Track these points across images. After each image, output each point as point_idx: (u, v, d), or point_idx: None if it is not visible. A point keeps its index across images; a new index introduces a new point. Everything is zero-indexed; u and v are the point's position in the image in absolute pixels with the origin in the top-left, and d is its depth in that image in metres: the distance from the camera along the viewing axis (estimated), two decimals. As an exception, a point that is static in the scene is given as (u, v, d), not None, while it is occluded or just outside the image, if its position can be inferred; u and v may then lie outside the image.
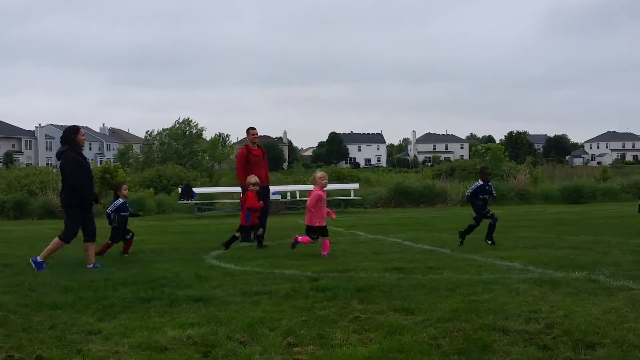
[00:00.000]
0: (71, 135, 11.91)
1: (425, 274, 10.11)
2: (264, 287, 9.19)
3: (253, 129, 16.17)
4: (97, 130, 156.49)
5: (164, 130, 75.59)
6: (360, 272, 10.38)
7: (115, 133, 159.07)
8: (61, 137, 12.12)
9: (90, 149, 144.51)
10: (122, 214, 13.54)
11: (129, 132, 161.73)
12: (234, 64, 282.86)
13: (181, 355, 5.82)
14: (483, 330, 6.46)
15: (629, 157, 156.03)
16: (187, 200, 27.92)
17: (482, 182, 14.49)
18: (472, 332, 6.38)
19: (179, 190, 28.46)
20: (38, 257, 11.49)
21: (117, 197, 13.93)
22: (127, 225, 13.72)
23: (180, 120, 77.58)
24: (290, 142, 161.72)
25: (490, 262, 11.24)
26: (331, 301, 8.12)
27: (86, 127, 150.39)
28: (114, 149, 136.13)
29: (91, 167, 12.34)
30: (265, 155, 16.31)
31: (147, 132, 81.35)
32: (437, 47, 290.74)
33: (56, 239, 11.64)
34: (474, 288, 8.74)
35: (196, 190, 29.22)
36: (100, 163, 42.93)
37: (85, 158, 12.07)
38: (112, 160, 54.93)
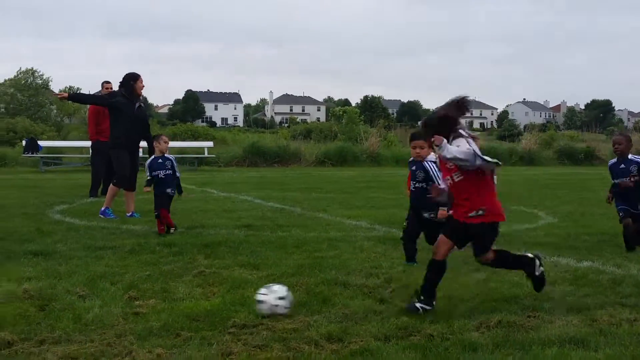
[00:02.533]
0: (130, 82, 11.89)
1: (274, 231, 10.22)
2: (109, 242, 9.01)
3: (107, 82, 15.59)
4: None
5: (7, 80, 71.84)
6: (209, 228, 10.36)
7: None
8: (121, 81, 12.04)
9: None
10: None
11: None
12: (91, 15, 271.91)
13: (15, 308, 5.62)
14: (325, 284, 6.62)
15: (476, 124, 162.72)
16: (32, 153, 26.79)
17: None
18: (314, 286, 6.52)
19: (24, 143, 27.28)
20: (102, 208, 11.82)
21: None
22: None
23: (23, 70, 73.87)
24: (145, 99, 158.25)
25: (338, 221, 11.48)
26: (177, 256, 8.08)
27: None
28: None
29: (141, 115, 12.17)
30: None
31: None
32: (295, 11, 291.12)
33: (110, 186, 11.96)
34: (320, 245, 8.92)
35: (42, 143, 28.07)
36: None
37: (140, 106, 12.11)
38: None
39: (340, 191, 17.61)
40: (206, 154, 29.60)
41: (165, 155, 10.32)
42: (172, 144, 32.07)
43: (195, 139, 39.29)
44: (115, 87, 12.95)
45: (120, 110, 11.85)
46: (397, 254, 8.25)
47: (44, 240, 9.10)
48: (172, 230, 9.88)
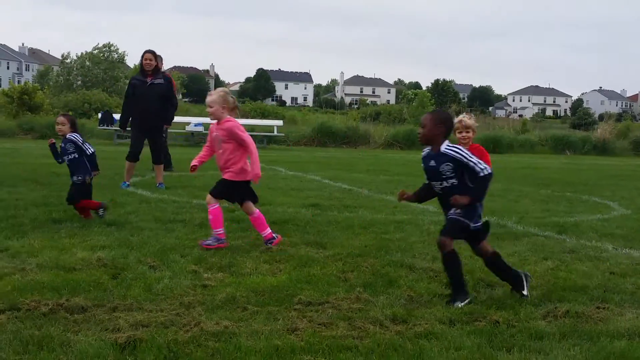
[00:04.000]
0: (140, 60, 12.50)
1: (341, 211, 10.24)
2: (179, 215, 9.18)
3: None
4: (16, 49, 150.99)
5: (83, 54, 73.34)
6: (277, 206, 10.44)
7: (35, 53, 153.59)
8: None
9: (8, 68, 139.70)
10: None
11: (50, 53, 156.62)
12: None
13: (89, 275, 5.80)
14: (391, 266, 6.63)
15: (549, 112, 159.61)
16: (107, 126, 27.39)
17: None
18: (380, 268, 6.54)
19: (99, 115, 27.87)
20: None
21: None
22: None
23: (100, 45, 75.35)
24: (217, 76, 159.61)
25: (405, 204, 11.42)
26: (245, 232, 8.18)
27: (3, 46, 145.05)
28: (33, 70, 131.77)
29: (154, 91, 12.27)
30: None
31: (62, 55, 78.46)
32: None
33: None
34: (387, 227, 8.93)
35: (117, 116, 28.66)
36: (18, 83, 41.57)
37: (152, 83, 12.28)
38: (31, 82, 53.23)
39: (408, 174, 17.50)
40: (275, 133, 29.79)
41: (67, 136, 8.84)
42: (242, 121, 32.55)
43: (265, 117, 39.52)
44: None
45: (134, 93, 12.38)
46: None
47: (117, 211, 9.31)
48: (100, 212, 8.76)
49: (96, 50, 73.59)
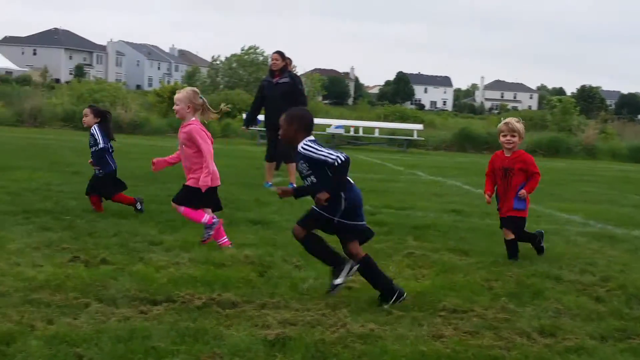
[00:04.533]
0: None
1: (483, 218, 10.10)
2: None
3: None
4: (167, 50, 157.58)
5: (232, 56, 75.70)
6: (417, 211, 10.42)
7: (184, 55, 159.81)
8: None
9: (159, 68, 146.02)
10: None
11: (198, 54, 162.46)
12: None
13: (238, 272, 5.99)
14: (536, 277, 6.49)
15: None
16: (251, 127, 28.11)
17: None
18: (525, 278, 6.40)
19: (244, 116, 28.63)
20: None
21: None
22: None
23: (247, 47, 77.52)
24: (357, 78, 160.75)
25: (549, 213, 11.15)
26: (387, 236, 8.21)
27: (155, 47, 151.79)
28: (182, 71, 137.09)
29: (279, 90, 12.48)
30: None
31: (212, 57, 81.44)
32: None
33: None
34: (531, 236, 8.71)
35: (261, 117, 29.36)
36: (168, 83, 43.35)
37: (272, 82, 12.62)
38: (180, 82, 55.42)
39: (551, 182, 16.99)
40: (415, 137, 29.70)
41: (91, 129, 9.03)
42: (382, 124, 32.62)
43: (403, 120, 39.47)
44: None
45: (263, 94, 12.83)
46: (613, 252, 7.92)
47: (262, 210, 9.57)
48: (138, 206, 8.84)
49: (243, 52, 75.74)
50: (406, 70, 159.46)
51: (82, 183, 10.98)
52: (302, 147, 5.43)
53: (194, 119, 7.23)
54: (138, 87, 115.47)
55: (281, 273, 6.09)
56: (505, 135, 7.30)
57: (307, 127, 5.58)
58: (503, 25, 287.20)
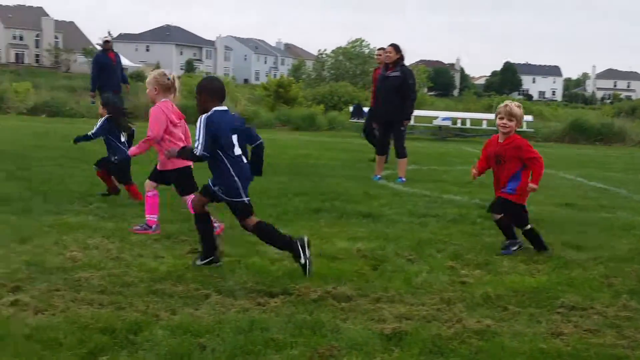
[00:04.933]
0: None
1: (598, 212, 9.82)
2: (431, 209, 9.26)
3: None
4: (273, 44, 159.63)
5: (338, 48, 76.01)
6: (530, 204, 10.16)
7: (289, 49, 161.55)
8: None
9: (265, 62, 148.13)
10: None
11: (303, 48, 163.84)
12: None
13: (352, 265, 6.04)
14: (659, 274, 6.26)
15: None
16: (358, 119, 28.17)
17: None
18: (647, 275, 6.20)
19: (351, 109, 28.72)
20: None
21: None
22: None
23: (353, 39, 77.66)
24: (462, 69, 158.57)
25: (669, 206, 10.73)
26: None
27: (262, 41, 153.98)
28: (288, 64, 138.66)
29: (390, 84, 12.39)
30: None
31: (319, 51, 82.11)
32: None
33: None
34: (653, 231, 8.42)
35: (366, 109, 29.39)
36: (275, 77, 43.90)
37: (384, 75, 12.57)
38: (286, 75, 56.04)
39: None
40: (525, 128, 29.03)
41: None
42: (489, 116, 32.01)
43: (512, 112, 38.57)
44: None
45: (377, 86, 13.06)
46: None
47: (371, 203, 9.59)
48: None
49: (349, 45, 75.96)
50: (513, 60, 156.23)
51: (198, 177, 11.30)
52: (203, 116, 5.70)
53: (164, 100, 7.22)
54: (245, 81, 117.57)
55: (394, 267, 6.11)
56: (502, 118, 6.94)
57: (215, 95, 5.82)
58: (612, 11, 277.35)
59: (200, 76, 43.64)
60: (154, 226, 7.26)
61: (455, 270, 6.11)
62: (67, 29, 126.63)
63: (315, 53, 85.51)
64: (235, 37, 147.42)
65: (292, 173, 12.63)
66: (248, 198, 5.90)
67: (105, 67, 17.13)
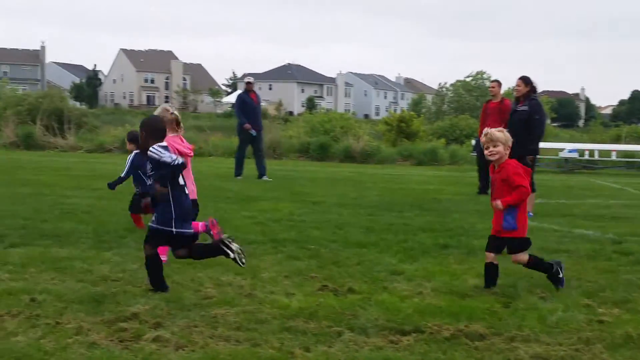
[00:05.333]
0: None
1: None
2: (562, 245, 9.03)
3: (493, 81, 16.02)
4: (393, 79, 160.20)
5: (458, 82, 75.70)
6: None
7: (409, 83, 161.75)
8: None
9: (385, 97, 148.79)
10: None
11: (423, 82, 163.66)
12: (542, 15, 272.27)
13: (483, 302, 5.96)
14: None
15: None
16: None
17: None
18: None
19: (472, 142, 28.41)
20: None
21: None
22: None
23: (474, 73, 77.09)
24: (587, 99, 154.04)
25: None
26: (635, 265, 7.79)
27: (382, 77, 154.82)
28: (407, 99, 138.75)
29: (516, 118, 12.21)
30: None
31: (439, 85, 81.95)
32: None
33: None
34: None
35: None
36: (395, 112, 44.06)
37: (515, 110, 12.44)
38: (406, 109, 56.15)
39: None
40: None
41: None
42: (619, 147, 30.87)
43: (641, 141, 37.18)
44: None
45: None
46: None
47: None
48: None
49: (469, 78, 75.52)
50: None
51: (323, 213, 11.48)
52: (150, 150, 6.01)
53: (172, 135, 7.37)
54: (366, 116, 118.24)
55: (527, 304, 5.97)
56: (487, 148, 6.61)
57: (156, 134, 6.21)
58: None
59: (321, 113, 44.32)
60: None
61: (591, 308, 5.91)
62: (195, 70, 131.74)
63: (434, 87, 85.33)
64: (355, 74, 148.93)
65: (417, 208, 12.58)
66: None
67: (247, 106, 17.73)
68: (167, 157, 5.96)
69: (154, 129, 6.27)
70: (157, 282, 6.14)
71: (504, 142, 6.58)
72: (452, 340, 4.93)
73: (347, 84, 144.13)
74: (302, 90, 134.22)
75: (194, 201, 7.54)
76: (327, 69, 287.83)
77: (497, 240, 6.64)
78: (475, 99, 71.36)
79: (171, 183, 6.08)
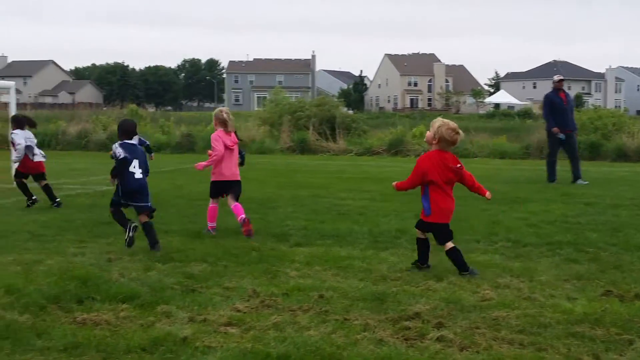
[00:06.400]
0: None
1: None
2: None
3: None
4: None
5: None
6: None
7: None
8: None
9: None
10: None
11: None
12: None
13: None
14: None
15: None
16: None
17: None
18: None
19: None
20: None
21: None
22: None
23: None
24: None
25: None
26: None
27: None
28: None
29: None
30: None
31: None
32: None
33: None
34: None
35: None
36: None
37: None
38: None
39: None
40: None
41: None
42: None
43: None
44: None
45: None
46: None
47: None
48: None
49: None
50: None
51: (598, 214, 10.97)
52: (114, 145, 8.32)
53: (219, 129, 9.28)
54: (638, 112, 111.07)
55: None
56: None
57: (124, 132, 8.35)
58: None
59: (589, 110, 42.27)
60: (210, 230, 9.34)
61: None
62: (457, 72, 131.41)
63: None
64: (626, 68, 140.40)
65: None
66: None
67: (556, 107, 16.94)
68: (118, 150, 8.17)
69: (124, 129, 8.37)
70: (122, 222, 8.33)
71: (430, 139, 7.03)
72: None
73: (617, 78, 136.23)
74: (569, 87, 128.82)
75: (237, 182, 9.36)
76: (594, 64, 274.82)
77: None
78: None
79: (120, 170, 8.18)
